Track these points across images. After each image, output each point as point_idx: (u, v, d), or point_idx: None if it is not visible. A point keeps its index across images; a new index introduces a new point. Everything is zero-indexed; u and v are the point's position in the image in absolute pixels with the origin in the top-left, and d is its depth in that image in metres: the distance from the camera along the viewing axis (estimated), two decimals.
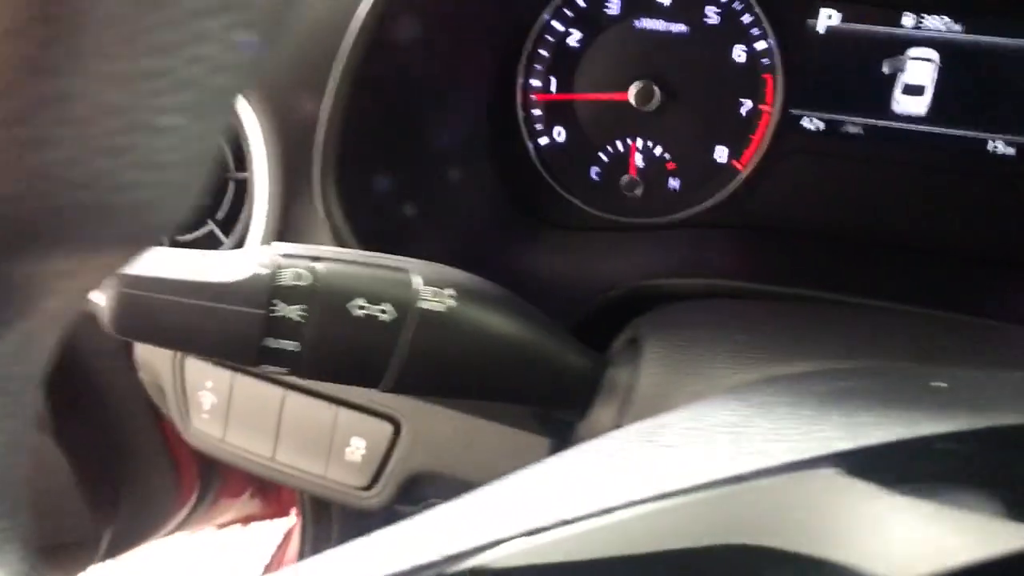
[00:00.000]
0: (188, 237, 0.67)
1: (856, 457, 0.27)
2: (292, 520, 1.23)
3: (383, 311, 0.41)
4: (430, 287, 0.42)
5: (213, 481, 1.17)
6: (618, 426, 0.47)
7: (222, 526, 1.29)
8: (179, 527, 1.19)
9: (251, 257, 0.40)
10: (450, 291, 0.42)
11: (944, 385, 0.32)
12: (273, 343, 0.40)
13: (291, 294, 0.40)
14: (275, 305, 0.39)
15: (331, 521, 1.04)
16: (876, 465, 0.26)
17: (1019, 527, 0.22)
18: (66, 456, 0.99)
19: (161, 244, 0.24)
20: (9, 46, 0.16)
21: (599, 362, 0.48)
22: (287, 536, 1.26)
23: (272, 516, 1.30)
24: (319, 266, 0.41)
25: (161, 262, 0.39)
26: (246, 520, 1.31)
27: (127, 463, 1.07)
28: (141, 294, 0.38)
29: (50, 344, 0.27)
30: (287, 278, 0.40)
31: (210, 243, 0.67)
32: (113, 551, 1.08)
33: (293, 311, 0.40)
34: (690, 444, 0.32)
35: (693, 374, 0.44)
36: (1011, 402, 0.30)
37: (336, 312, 0.40)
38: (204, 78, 0.19)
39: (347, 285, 0.40)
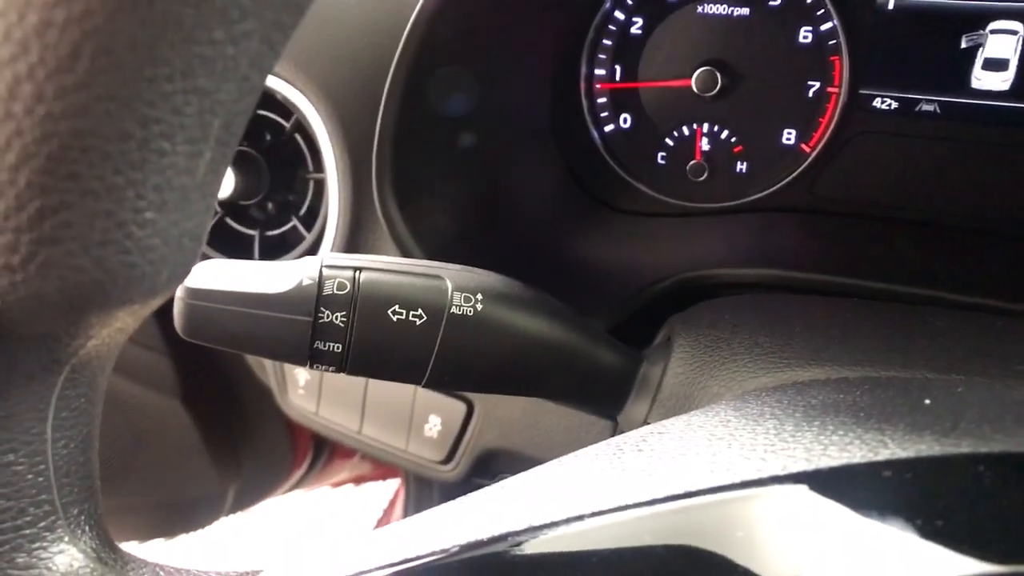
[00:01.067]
0: (275, 232, 0.73)
1: (807, 480, 0.28)
2: (398, 482, 1.31)
3: (417, 316, 0.44)
4: (461, 292, 0.45)
5: (326, 444, 1.26)
6: (647, 423, 0.49)
7: (336, 485, 1.39)
8: (297, 485, 1.29)
9: (299, 269, 0.44)
10: (479, 296, 0.45)
11: (928, 402, 0.33)
12: (322, 346, 0.45)
13: (335, 302, 0.44)
14: (322, 312, 0.44)
15: (432, 485, 1.11)
16: (824, 489, 0.27)
17: (929, 560, 0.23)
18: (192, 421, 1.10)
19: (168, 296, 0.28)
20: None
21: (634, 359, 0.50)
22: (395, 497, 1.35)
23: (382, 477, 1.39)
24: (360, 276, 0.45)
25: (221, 275, 0.44)
26: (358, 480, 1.40)
27: (247, 427, 1.17)
28: (203, 304, 0.43)
29: (108, 362, 0.33)
30: (331, 288, 0.44)
31: (294, 236, 0.72)
32: (238, 506, 1.20)
33: (337, 317, 0.44)
34: (675, 455, 0.33)
35: (714, 376, 0.45)
36: (991, 423, 0.30)
37: (375, 318, 0.44)
38: (170, 181, 0.23)
39: (385, 293, 0.44)
